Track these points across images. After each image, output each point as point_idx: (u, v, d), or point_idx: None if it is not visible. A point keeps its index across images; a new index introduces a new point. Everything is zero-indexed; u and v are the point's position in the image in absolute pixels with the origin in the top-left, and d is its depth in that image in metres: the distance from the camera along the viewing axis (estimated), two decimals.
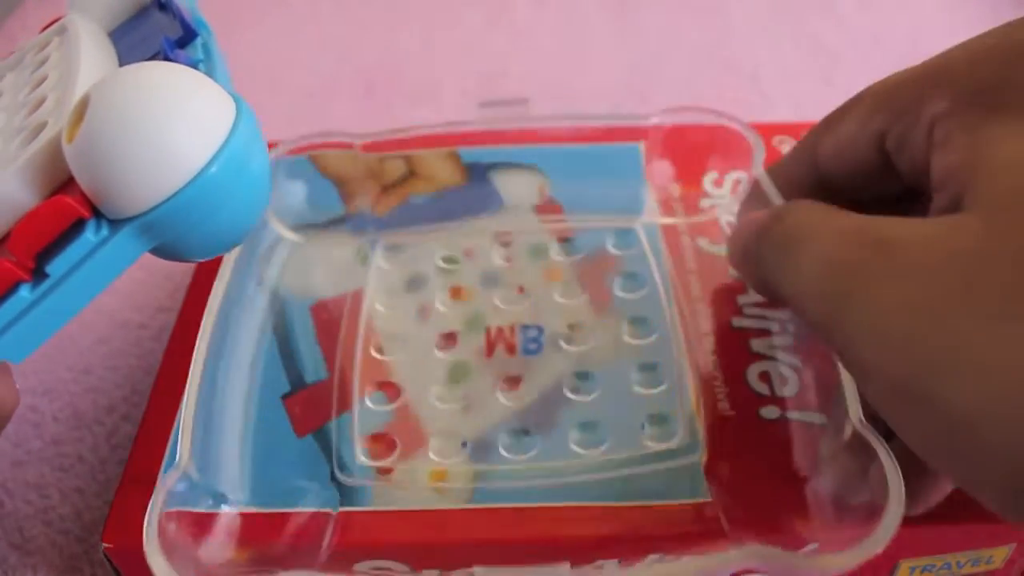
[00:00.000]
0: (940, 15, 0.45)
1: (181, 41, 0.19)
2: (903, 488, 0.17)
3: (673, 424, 0.22)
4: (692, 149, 0.27)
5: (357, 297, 0.26)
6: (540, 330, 0.24)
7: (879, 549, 0.16)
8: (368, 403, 0.23)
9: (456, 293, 0.26)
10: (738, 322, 0.24)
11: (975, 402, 0.12)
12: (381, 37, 0.45)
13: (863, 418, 0.18)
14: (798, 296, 0.17)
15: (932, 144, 0.17)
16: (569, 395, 0.23)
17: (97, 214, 0.17)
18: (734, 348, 0.23)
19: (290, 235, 0.27)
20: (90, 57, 0.19)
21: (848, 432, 0.19)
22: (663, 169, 0.27)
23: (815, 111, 0.39)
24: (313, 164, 0.29)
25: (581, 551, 0.20)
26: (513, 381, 0.23)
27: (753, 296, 0.24)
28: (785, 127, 0.31)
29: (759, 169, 0.24)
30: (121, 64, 0.20)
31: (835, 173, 0.21)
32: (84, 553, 0.25)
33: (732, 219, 0.27)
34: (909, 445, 0.15)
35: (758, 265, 0.19)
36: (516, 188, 0.28)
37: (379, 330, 0.25)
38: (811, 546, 0.18)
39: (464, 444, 0.22)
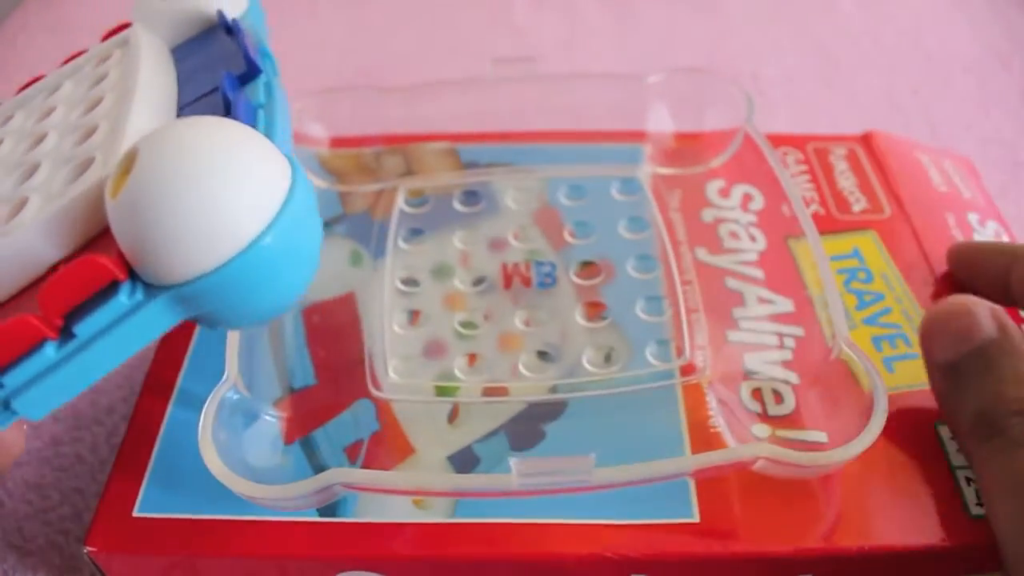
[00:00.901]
0: (941, 15, 0.45)
1: (243, 78, 0.18)
2: (886, 394, 0.20)
3: (676, 346, 0.24)
4: (688, 103, 0.30)
5: (349, 301, 0.25)
6: (553, 265, 0.26)
7: (870, 441, 0.19)
8: (354, 411, 0.23)
9: (465, 259, 0.27)
10: (730, 277, 0.26)
11: None
12: (381, 37, 0.45)
13: (848, 338, 0.21)
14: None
15: None
16: (581, 322, 0.24)
17: (133, 276, 0.16)
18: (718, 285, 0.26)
19: None
20: (148, 85, 0.18)
21: (836, 351, 0.21)
22: (661, 120, 0.30)
23: (814, 112, 0.39)
24: (311, 161, 0.29)
25: (566, 569, 0.20)
26: (531, 319, 0.25)
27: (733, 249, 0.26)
28: (787, 138, 0.31)
29: (751, 123, 0.28)
30: (180, 90, 0.19)
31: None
32: (84, 553, 0.25)
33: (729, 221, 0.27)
34: None
35: (952, 392, 0.21)
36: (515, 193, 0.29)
37: (368, 331, 0.25)
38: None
39: (450, 457, 0.22)
